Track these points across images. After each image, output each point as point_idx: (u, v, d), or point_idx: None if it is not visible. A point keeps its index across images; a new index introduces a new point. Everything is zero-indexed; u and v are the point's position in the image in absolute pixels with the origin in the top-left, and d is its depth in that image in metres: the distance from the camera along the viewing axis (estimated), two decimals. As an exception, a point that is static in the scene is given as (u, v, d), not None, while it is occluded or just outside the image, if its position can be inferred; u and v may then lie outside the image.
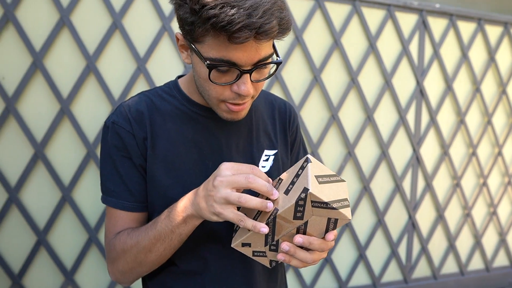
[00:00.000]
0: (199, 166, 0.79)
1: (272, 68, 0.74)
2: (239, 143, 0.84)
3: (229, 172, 0.64)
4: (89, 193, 1.81)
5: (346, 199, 0.65)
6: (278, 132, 0.91)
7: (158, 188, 0.78)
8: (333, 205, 0.61)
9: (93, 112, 1.79)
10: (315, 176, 0.63)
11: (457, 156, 2.56)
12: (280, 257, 0.67)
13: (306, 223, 0.63)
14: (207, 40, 0.65)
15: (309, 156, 0.67)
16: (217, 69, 0.67)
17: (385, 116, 2.32)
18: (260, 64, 0.68)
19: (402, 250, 2.47)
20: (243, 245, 0.68)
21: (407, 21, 2.34)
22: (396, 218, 2.42)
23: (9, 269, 1.71)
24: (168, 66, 1.89)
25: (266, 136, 0.89)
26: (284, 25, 0.65)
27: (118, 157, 0.77)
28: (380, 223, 2.36)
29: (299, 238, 0.64)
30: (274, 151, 0.88)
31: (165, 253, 0.74)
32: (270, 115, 0.91)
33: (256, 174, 0.65)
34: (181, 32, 0.72)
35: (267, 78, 0.73)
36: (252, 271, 0.82)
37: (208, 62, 0.66)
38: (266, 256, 0.70)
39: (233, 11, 0.59)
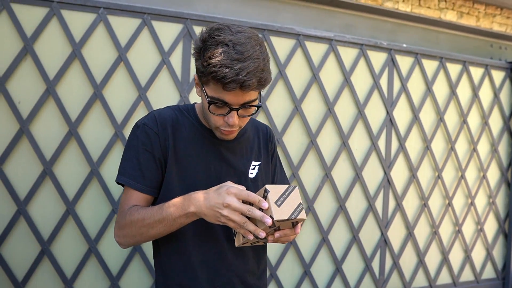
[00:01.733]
0: (204, 167, 1.07)
1: (255, 110, 1.01)
2: (235, 155, 1.12)
3: (235, 198, 0.89)
4: (91, 207, 1.99)
5: (300, 204, 0.92)
6: (261, 147, 1.20)
7: (172, 178, 1.04)
8: (291, 217, 0.90)
9: (98, 134, 2.00)
10: (274, 203, 0.89)
11: (424, 179, 2.83)
12: (270, 240, 0.96)
13: (279, 226, 0.94)
14: (210, 84, 0.95)
15: (266, 187, 0.91)
16: (215, 104, 0.96)
17: (358, 142, 2.59)
18: (245, 106, 0.96)
19: (375, 265, 2.68)
20: (243, 243, 0.99)
21: (377, 58, 2.65)
22: (369, 235, 2.65)
23: (13, 276, 1.86)
24: (165, 94, 2.12)
25: (253, 150, 1.17)
26: (261, 82, 0.94)
27: (141, 150, 1.01)
28: (355, 239, 2.58)
29: (277, 234, 0.94)
30: (259, 162, 1.17)
31: (164, 232, 0.98)
32: (256, 135, 1.20)
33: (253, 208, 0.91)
34: (196, 75, 1.01)
35: (250, 115, 1.01)
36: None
37: (209, 99, 0.96)
38: (259, 242, 1.00)
39: (226, 70, 0.88)
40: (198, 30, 2.17)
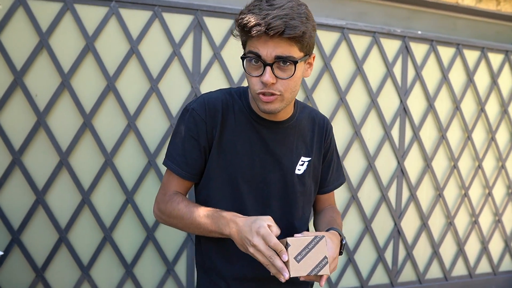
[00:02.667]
0: (248, 159, 1.04)
1: (292, 70, 0.94)
2: (283, 148, 1.07)
3: (262, 240, 0.86)
4: (106, 197, 2.05)
5: (324, 258, 0.87)
6: (314, 143, 1.14)
7: (214, 168, 1.04)
8: (311, 273, 0.86)
9: (111, 126, 2.05)
10: (294, 258, 0.85)
11: (439, 169, 2.78)
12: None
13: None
14: (246, 43, 0.96)
15: (288, 240, 0.86)
16: (248, 60, 0.95)
17: (371, 132, 2.57)
18: (278, 60, 0.91)
19: (388, 255, 2.67)
20: None
21: (391, 46, 2.60)
22: (382, 225, 2.64)
23: (33, 262, 1.94)
24: (177, 86, 2.15)
25: (304, 145, 1.12)
26: (291, 27, 0.87)
27: (187, 136, 1.02)
28: (367, 229, 2.57)
29: (301, 278, 0.89)
30: (309, 158, 1.12)
31: (198, 234, 1.01)
32: (310, 128, 1.14)
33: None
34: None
35: (289, 77, 0.94)
36: None
37: (242, 55, 0.97)
38: None
39: (253, 16, 0.89)
40: (208, 21, 2.18)
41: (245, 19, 0.88)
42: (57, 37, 1.95)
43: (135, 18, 2.07)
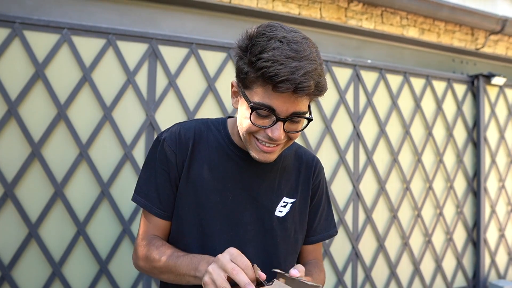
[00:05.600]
0: (220, 195, 0.91)
1: (304, 123, 0.84)
2: (262, 185, 0.93)
3: (231, 258, 0.75)
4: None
5: None
6: (300, 183, 0.99)
7: (182, 204, 0.91)
8: None
9: (61, 155, 1.98)
10: None
11: (393, 191, 2.89)
12: None
13: None
14: (255, 87, 0.79)
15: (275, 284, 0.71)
16: (258, 112, 0.79)
17: (326, 157, 2.64)
18: (294, 116, 0.79)
19: (347, 278, 2.70)
20: None
21: (342, 74, 2.72)
22: (340, 249, 2.67)
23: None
24: (131, 114, 2.13)
25: (288, 184, 0.97)
26: (320, 87, 0.78)
27: (159, 169, 0.91)
28: (326, 253, 2.60)
29: None
30: (293, 200, 0.96)
31: (173, 281, 0.88)
32: (296, 167, 0.99)
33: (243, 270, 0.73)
34: (236, 80, 0.86)
35: (299, 132, 0.84)
36: None
37: (252, 104, 0.79)
38: None
39: (281, 67, 0.73)
40: (163, 49, 2.20)
41: (272, 69, 0.73)
42: (5, 64, 1.89)
43: (88, 46, 2.05)
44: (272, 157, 0.85)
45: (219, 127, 0.97)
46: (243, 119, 0.83)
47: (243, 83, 0.81)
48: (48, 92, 1.95)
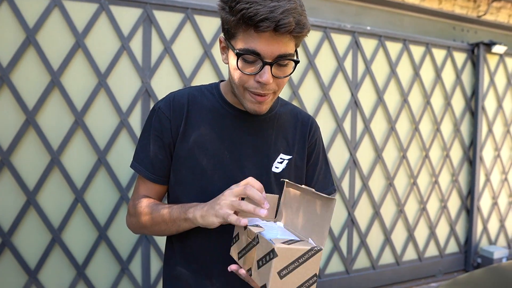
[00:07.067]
0: (218, 155, 0.92)
1: (292, 69, 0.84)
2: (258, 142, 0.94)
3: (232, 191, 0.79)
4: (53, 197, 1.97)
5: (314, 275, 0.69)
6: (297, 141, 0.99)
7: (179, 168, 0.93)
8: None
9: (57, 123, 1.96)
10: (277, 272, 0.66)
11: (389, 159, 2.91)
12: None
13: None
14: (238, 35, 0.80)
15: (276, 249, 0.67)
16: (244, 59, 0.81)
17: (324, 125, 2.63)
18: (280, 59, 0.80)
19: (343, 244, 2.76)
20: (240, 252, 0.79)
21: (341, 41, 2.68)
22: (336, 215, 2.72)
23: (25, 264, 1.83)
24: (127, 81, 2.09)
25: (285, 141, 0.98)
26: (301, 25, 0.78)
27: (153, 136, 0.93)
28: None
29: None
30: (289, 157, 0.97)
31: (165, 232, 0.92)
32: (292, 125, 1.00)
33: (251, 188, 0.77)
34: (222, 35, 0.87)
35: (287, 76, 0.84)
36: None
37: (237, 51, 0.80)
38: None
39: (259, 7, 0.75)
40: (158, 15, 2.14)
41: (250, 9, 0.75)
42: (-6, 29, 1.84)
43: (80, 11, 1.99)
44: (264, 107, 0.87)
45: (212, 91, 0.98)
46: (233, 71, 0.85)
47: (228, 34, 0.83)
48: (41, 58, 1.91)
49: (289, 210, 0.84)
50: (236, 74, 0.84)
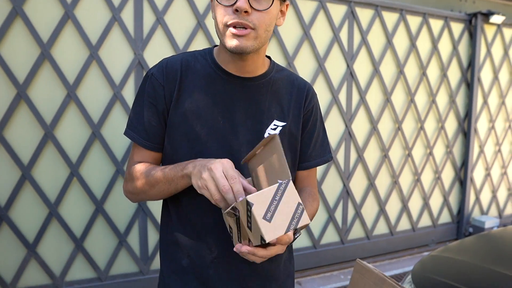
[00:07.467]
0: (212, 121, 0.92)
1: (270, 2, 0.84)
2: (252, 108, 0.93)
3: (222, 168, 0.75)
4: (48, 171, 1.97)
5: (299, 204, 0.69)
6: (292, 107, 0.98)
7: (173, 133, 0.92)
8: (289, 229, 0.68)
9: (49, 96, 1.94)
10: (262, 217, 0.67)
11: (385, 131, 2.91)
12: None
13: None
14: None
15: (248, 199, 0.67)
16: None
17: (319, 96, 2.61)
18: None
19: (338, 215, 2.80)
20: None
21: (337, 11, 2.62)
22: (332, 187, 2.74)
23: (24, 238, 1.84)
24: (119, 53, 2.06)
25: (279, 107, 0.96)
26: None
27: (147, 103, 0.92)
28: (318, 191, 2.66)
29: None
30: (283, 123, 0.96)
31: (163, 193, 0.91)
32: (288, 91, 0.98)
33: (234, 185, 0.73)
34: None
35: (265, 9, 0.83)
36: None
37: None
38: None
39: None
40: (149, -17, 2.08)
41: None
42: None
43: (68, -20, 1.93)
44: (246, 43, 0.84)
45: (206, 56, 0.96)
46: (216, 11, 0.85)
47: None
48: (29, 30, 1.86)
49: (255, 179, 0.84)
50: (217, 12, 0.84)
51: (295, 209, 0.69)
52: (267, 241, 0.67)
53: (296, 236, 0.82)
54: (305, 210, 0.70)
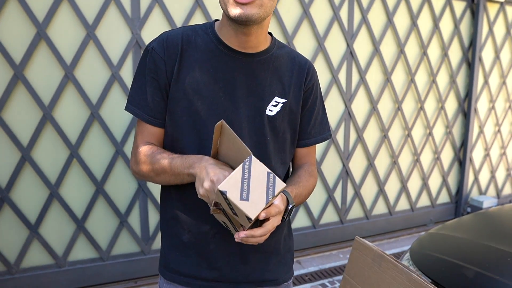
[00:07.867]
0: (213, 96, 0.91)
1: None
2: (253, 84, 0.93)
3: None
4: (48, 153, 1.97)
5: (268, 173, 0.71)
6: (293, 84, 0.97)
7: (175, 108, 0.91)
8: (269, 199, 0.70)
9: (47, 78, 1.92)
10: (240, 200, 0.69)
11: (384, 111, 2.90)
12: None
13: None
14: None
15: (220, 188, 0.69)
16: None
17: (319, 76, 2.58)
18: None
19: (337, 195, 2.82)
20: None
21: (337, -11, 2.58)
22: (331, 167, 2.75)
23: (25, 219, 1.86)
24: (116, 32, 2.03)
25: (280, 84, 0.96)
26: None
27: (149, 78, 0.91)
28: (317, 171, 2.67)
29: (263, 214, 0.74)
30: (284, 100, 0.96)
31: (169, 183, 0.92)
32: (289, 68, 0.98)
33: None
34: None
35: None
36: None
37: None
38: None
39: None
40: (145, -40, 2.04)
41: None
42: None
43: (62, -43, 1.89)
44: (251, 11, 0.82)
45: (207, 30, 0.94)
46: None
47: None
48: (25, 10, 1.83)
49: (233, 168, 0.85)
50: None
51: (267, 179, 0.71)
52: (252, 219, 0.69)
53: (289, 207, 0.83)
54: (276, 177, 0.71)
